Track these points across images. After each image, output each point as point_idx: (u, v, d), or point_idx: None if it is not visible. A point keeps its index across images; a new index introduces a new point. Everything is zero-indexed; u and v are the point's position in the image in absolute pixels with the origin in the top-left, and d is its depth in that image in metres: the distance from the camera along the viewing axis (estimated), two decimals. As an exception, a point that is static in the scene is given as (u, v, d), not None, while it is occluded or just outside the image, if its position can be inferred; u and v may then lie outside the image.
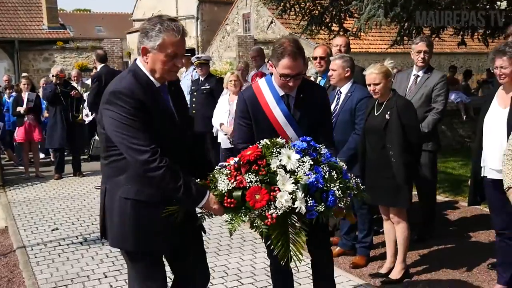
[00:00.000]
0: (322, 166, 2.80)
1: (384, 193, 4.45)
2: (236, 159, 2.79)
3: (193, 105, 8.09)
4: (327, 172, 2.79)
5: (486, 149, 4.14)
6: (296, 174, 2.68)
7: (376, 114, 4.50)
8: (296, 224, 2.65)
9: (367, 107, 4.68)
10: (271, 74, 3.38)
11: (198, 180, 2.77)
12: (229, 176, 2.72)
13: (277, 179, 2.64)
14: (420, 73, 5.51)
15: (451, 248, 5.38)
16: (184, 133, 2.90)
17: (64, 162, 10.04)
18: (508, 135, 3.82)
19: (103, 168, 2.84)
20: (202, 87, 8.13)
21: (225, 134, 7.11)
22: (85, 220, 6.84)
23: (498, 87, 4.19)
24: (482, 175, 4.20)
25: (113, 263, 5.19)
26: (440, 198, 7.24)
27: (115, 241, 2.84)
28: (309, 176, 2.68)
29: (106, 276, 4.87)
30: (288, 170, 2.68)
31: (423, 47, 5.42)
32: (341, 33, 10.23)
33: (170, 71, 2.73)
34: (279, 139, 2.85)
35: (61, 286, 4.68)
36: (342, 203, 2.84)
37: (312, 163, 2.75)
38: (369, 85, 4.44)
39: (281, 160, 2.70)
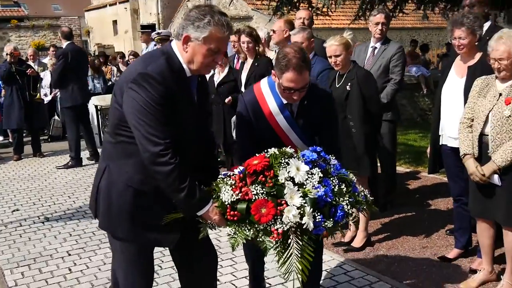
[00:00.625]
0: (331, 178, 2.66)
1: (346, 163, 4.49)
2: (241, 168, 2.62)
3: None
4: (337, 185, 2.66)
5: (444, 118, 4.23)
6: (304, 187, 2.55)
7: (337, 86, 4.53)
8: (302, 240, 2.51)
9: (328, 79, 4.72)
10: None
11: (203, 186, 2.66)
12: (233, 187, 2.56)
13: (285, 192, 2.50)
14: (378, 45, 5.56)
15: (412, 216, 5.51)
16: (202, 128, 2.79)
17: (23, 142, 9.82)
18: (465, 103, 3.90)
19: (106, 146, 2.68)
20: (163, 64, 8.02)
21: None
22: (46, 200, 6.73)
23: (455, 58, 4.26)
24: (440, 144, 4.30)
25: (76, 241, 5.14)
26: (401, 169, 7.39)
27: (106, 225, 2.72)
28: (318, 189, 2.55)
29: (69, 254, 4.82)
30: (296, 182, 2.54)
31: (381, 19, 5.45)
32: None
33: (208, 66, 2.60)
34: (288, 149, 2.71)
35: (23, 266, 4.61)
36: (351, 218, 2.74)
37: (321, 175, 2.61)
38: (330, 57, 4.47)
39: (289, 171, 2.54)
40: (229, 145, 6.65)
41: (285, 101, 3.16)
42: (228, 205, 2.52)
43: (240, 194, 2.52)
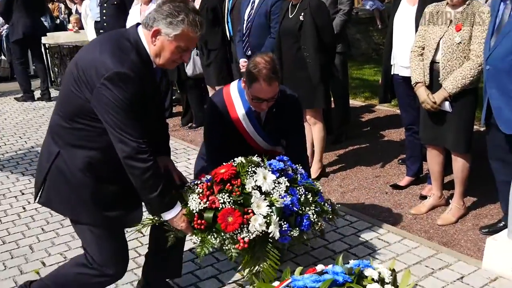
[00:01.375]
0: (298, 187, 2.71)
1: (301, 94, 4.49)
2: (209, 176, 2.64)
3: (104, 18, 7.71)
4: (303, 195, 2.71)
5: (395, 47, 4.24)
6: (271, 195, 2.58)
7: (290, 16, 4.47)
8: (267, 248, 2.56)
9: (281, 10, 4.65)
10: None
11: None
12: (201, 195, 2.56)
13: (252, 201, 2.53)
14: None
15: (365, 148, 5.62)
16: (160, 114, 2.82)
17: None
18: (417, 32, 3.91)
19: (59, 130, 2.51)
20: (112, -2, 7.74)
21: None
22: (-4, 141, 6.58)
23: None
24: (392, 73, 4.33)
25: (29, 180, 5.04)
26: (356, 102, 7.47)
27: (66, 212, 2.66)
28: (285, 198, 2.59)
29: (23, 193, 4.75)
30: (263, 191, 2.57)
31: None
32: None
33: (174, 61, 2.52)
34: (255, 158, 2.71)
35: (-25, 206, 4.53)
36: (317, 227, 2.77)
37: (288, 184, 2.65)
38: (282, -14, 4.39)
39: (256, 180, 2.58)
40: (183, 82, 6.55)
41: (253, 108, 3.15)
42: (195, 214, 2.53)
43: (207, 203, 2.52)
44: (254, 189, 2.57)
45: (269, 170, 2.67)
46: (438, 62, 3.63)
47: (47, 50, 9.64)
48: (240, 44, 5.12)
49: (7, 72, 11.05)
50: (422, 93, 3.72)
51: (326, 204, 2.89)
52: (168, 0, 2.47)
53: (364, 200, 4.32)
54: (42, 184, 2.59)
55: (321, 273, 2.48)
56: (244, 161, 2.68)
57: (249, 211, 2.53)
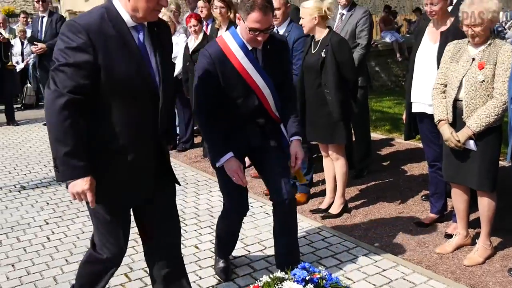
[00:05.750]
0: None
1: (322, 130, 4.54)
2: None
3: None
4: None
5: (416, 84, 4.25)
6: None
7: (313, 52, 4.52)
8: None
9: (305, 45, 4.70)
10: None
11: None
12: None
13: None
14: (345, 11, 5.68)
15: (387, 182, 5.59)
16: (157, 84, 2.63)
17: (-4, 111, 9.67)
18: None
19: None
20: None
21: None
22: (22, 169, 6.66)
23: (428, 23, 4.27)
24: (413, 111, 4.33)
25: (53, 210, 5.12)
26: (377, 136, 7.47)
27: None
28: None
29: (47, 223, 4.80)
30: None
31: None
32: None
33: (153, 10, 2.54)
34: (279, 273, 2.69)
35: (1, 234, 4.58)
36: None
37: None
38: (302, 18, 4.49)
39: None
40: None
41: (249, 47, 3.23)
42: None
43: None
44: None
45: (293, 281, 2.64)
46: (461, 100, 3.63)
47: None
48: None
49: (33, 99, 11.32)
50: (445, 131, 3.72)
51: None
52: None
53: (388, 238, 4.28)
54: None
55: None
56: (269, 280, 2.65)
57: None
